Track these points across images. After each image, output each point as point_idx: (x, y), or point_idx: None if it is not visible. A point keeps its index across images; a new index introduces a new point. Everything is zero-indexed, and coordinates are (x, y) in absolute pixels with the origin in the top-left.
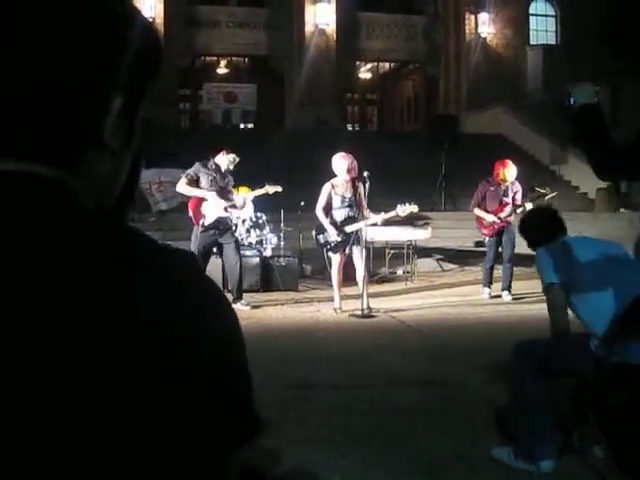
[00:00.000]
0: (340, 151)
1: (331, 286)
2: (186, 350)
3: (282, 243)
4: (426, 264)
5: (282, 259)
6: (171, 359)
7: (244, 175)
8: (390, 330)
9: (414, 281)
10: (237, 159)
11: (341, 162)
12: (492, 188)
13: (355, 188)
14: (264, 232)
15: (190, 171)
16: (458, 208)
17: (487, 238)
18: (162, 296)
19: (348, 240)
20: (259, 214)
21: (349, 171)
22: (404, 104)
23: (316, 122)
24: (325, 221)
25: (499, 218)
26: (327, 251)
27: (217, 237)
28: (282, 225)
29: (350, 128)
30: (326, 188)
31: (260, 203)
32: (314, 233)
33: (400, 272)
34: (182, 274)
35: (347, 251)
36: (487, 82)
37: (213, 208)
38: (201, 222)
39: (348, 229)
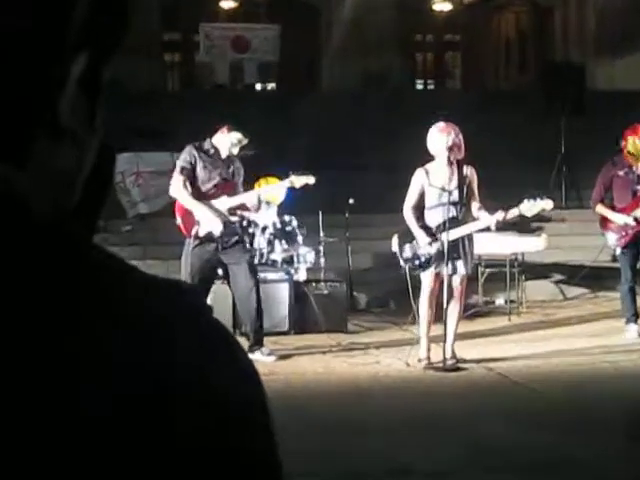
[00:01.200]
0: (405, 119)
1: (397, 324)
2: (173, 438)
3: (322, 261)
4: (540, 289)
5: (323, 285)
6: (151, 456)
7: (263, 159)
8: (487, 389)
9: (522, 315)
10: (244, 140)
11: (439, 137)
12: (620, 173)
13: (462, 176)
14: (295, 245)
15: (184, 161)
16: (586, 203)
17: (618, 249)
18: (141, 365)
19: (447, 253)
20: (287, 218)
21: (452, 149)
22: (501, 48)
23: (368, 79)
24: (415, 225)
25: (635, 219)
26: (414, 269)
27: (220, 255)
28: (322, 235)
29: (420, 86)
30: (418, 177)
31: (288, 202)
32: (395, 243)
33: (501, 302)
34: (178, 326)
35: (445, 270)
36: (625, 15)
37: (212, 211)
38: (194, 232)
39: (448, 236)
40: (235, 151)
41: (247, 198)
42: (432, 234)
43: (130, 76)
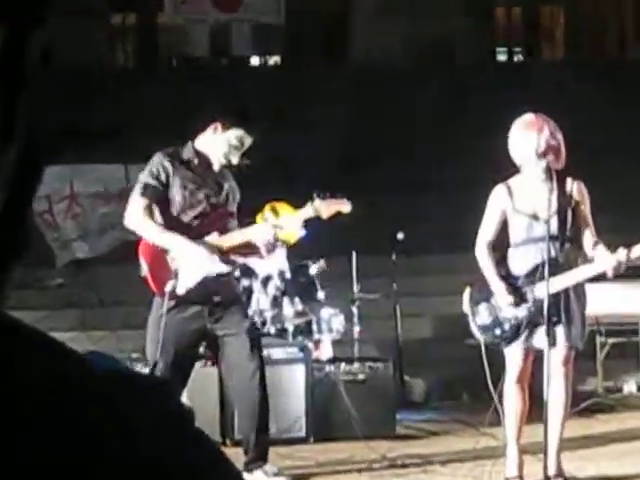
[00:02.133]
0: (478, 108)
1: (470, 425)
2: None
3: (356, 330)
4: None
5: (358, 367)
6: None
7: (264, 174)
8: None
9: None
10: (247, 140)
11: (526, 137)
12: None
13: (564, 195)
14: (315, 305)
15: (150, 175)
16: None
17: None
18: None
19: (544, 316)
20: (303, 263)
21: (546, 155)
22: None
23: (422, 48)
24: (493, 273)
25: None
26: (494, 341)
27: (206, 322)
28: (355, 288)
29: (503, 57)
30: (497, 199)
31: (305, 240)
32: (467, 301)
33: (631, 389)
34: (137, 431)
35: (541, 342)
36: None
37: (195, 256)
38: (168, 288)
39: (543, 290)
40: (235, 159)
41: (256, 233)
42: (520, 287)
43: (61, 48)
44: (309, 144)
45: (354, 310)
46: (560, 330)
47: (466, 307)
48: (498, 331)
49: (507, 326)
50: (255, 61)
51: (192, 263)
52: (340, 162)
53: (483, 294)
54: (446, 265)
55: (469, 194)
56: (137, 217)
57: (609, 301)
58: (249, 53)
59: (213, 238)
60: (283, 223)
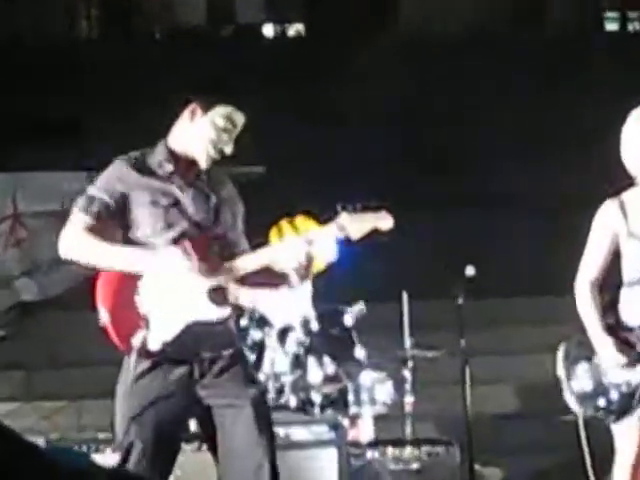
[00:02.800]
0: (579, 93)
1: None
2: None
3: (408, 401)
4: None
5: (411, 453)
6: None
7: (286, 177)
8: None
9: None
10: (238, 117)
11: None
12: None
13: None
14: (350, 367)
15: (98, 188)
16: None
17: None
18: None
19: None
20: (338, 307)
21: None
22: None
23: (492, 12)
24: (597, 321)
25: None
26: (599, 415)
27: (196, 390)
28: (407, 344)
29: (614, 25)
30: (605, 220)
31: (337, 274)
32: (561, 361)
33: None
34: None
35: None
36: None
37: (171, 297)
38: (136, 341)
39: None
40: (228, 146)
41: (284, 251)
42: (635, 342)
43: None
44: (344, 139)
45: (406, 374)
46: None
47: (560, 369)
48: (603, 401)
49: (616, 395)
50: (268, 31)
51: (171, 304)
52: (385, 164)
53: (583, 351)
54: (533, 312)
55: (566, 214)
56: (72, 239)
57: None
58: (260, 20)
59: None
60: (313, 237)
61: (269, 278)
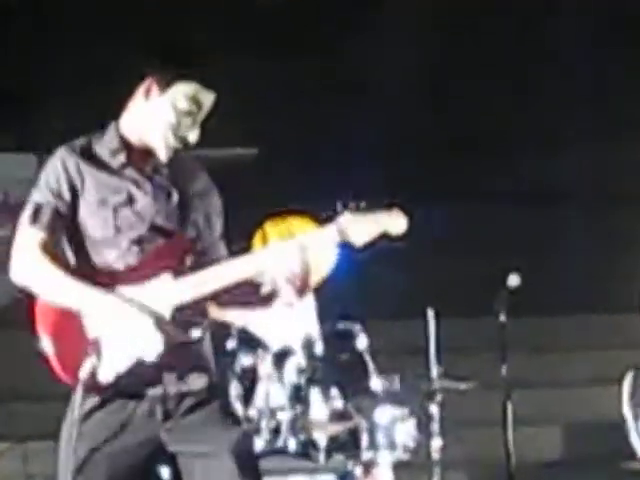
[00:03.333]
0: None
1: None
2: None
3: (436, 444)
4: None
5: None
6: None
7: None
8: None
9: None
10: (206, 96)
11: None
12: None
13: None
14: (365, 402)
15: (43, 190)
16: None
17: None
18: None
19: None
20: (347, 326)
21: None
22: None
23: None
24: None
25: None
26: None
27: (160, 432)
28: (434, 373)
29: None
30: None
31: (344, 282)
32: (626, 394)
33: None
34: None
35: None
36: None
37: (127, 320)
38: (83, 374)
39: None
40: (193, 133)
41: (273, 258)
42: None
43: None
44: (354, 117)
45: (433, 411)
46: None
47: (625, 406)
48: None
49: None
50: None
51: (126, 326)
52: (405, 149)
53: None
54: (591, 333)
55: (629, 212)
56: (28, 263)
57: None
58: None
59: (165, 282)
60: (308, 242)
61: (253, 294)
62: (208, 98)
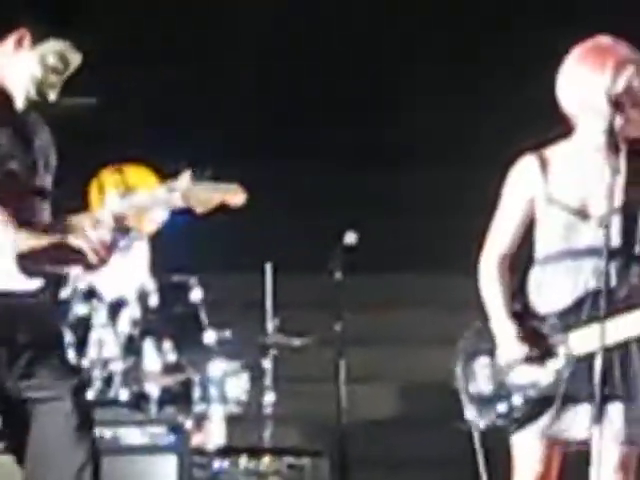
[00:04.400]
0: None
1: None
2: None
3: (269, 399)
4: None
5: (269, 462)
6: None
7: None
8: None
9: None
10: (73, 56)
11: (593, 72)
12: None
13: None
14: (199, 355)
15: None
16: None
17: None
18: None
19: (583, 386)
20: (183, 279)
21: (619, 107)
22: None
23: None
24: (500, 306)
25: None
26: (498, 424)
27: (4, 379)
28: (269, 328)
29: None
30: (522, 177)
31: (180, 236)
32: (457, 354)
33: None
34: None
35: (578, 430)
36: None
37: None
38: None
39: (587, 341)
40: (53, 91)
41: (86, 222)
42: (546, 335)
43: None
44: (207, 74)
45: (266, 365)
46: (614, 412)
47: (456, 365)
48: (503, 407)
49: (519, 399)
50: None
51: None
52: (255, 108)
53: (483, 344)
54: (426, 292)
55: (470, 170)
56: None
57: None
58: None
59: (13, 230)
60: (138, 202)
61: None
62: (76, 59)
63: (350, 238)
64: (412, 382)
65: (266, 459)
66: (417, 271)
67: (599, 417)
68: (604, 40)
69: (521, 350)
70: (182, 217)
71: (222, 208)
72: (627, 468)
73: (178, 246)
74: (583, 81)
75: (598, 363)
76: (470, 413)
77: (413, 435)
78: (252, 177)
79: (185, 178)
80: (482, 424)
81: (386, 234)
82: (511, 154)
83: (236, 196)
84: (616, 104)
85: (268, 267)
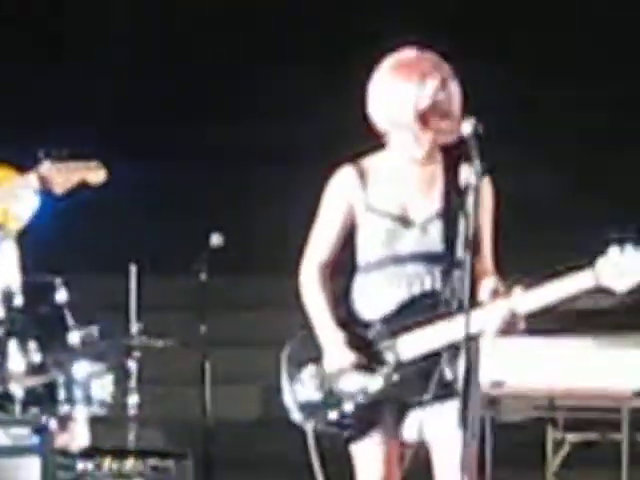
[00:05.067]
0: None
1: None
2: None
3: (133, 401)
4: None
5: (134, 465)
6: None
7: None
8: None
9: None
10: None
11: (399, 84)
12: None
13: (454, 189)
14: (63, 355)
15: None
16: None
17: None
18: None
19: (412, 389)
20: (48, 278)
21: (427, 116)
22: None
23: None
24: (324, 313)
25: None
26: (331, 431)
27: None
28: (134, 329)
29: None
30: (340, 187)
31: (44, 233)
32: (284, 361)
33: None
34: None
35: (411, 432)
36: None
37: None
38: None
39: (415, 345)
40: None
41: None
42: (372, 341)
43: None
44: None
45: (131, 366)
46: (451, 413)
47: (284, 372)
48: (334, 414)
49: (349, 406)
50: None
51: None
52: (108, 102)
53: (310, 352)
54: (290, 294)
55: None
56: None
57: (573, 369)
58: None
59: None
60: (8, 190)
61: None
62: None
63: (216, 240)
64: (276, 383)
65: (130, 461)
66: (282, 273)
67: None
68: (408, 54)
69: (348, 357)
70: (48, 216)
71: (85, 187)
72: (469, 467)
73: (44, 246)
74: (389, 97)
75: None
76: (298, 419)
77: (277, 436)
78: (118, 178)
79: (44, 165)
80: (311, 429)
81: (252, 236)
82: (330, 165)
83: (97, 173)
84: (423, 118)
85: (132, 268)
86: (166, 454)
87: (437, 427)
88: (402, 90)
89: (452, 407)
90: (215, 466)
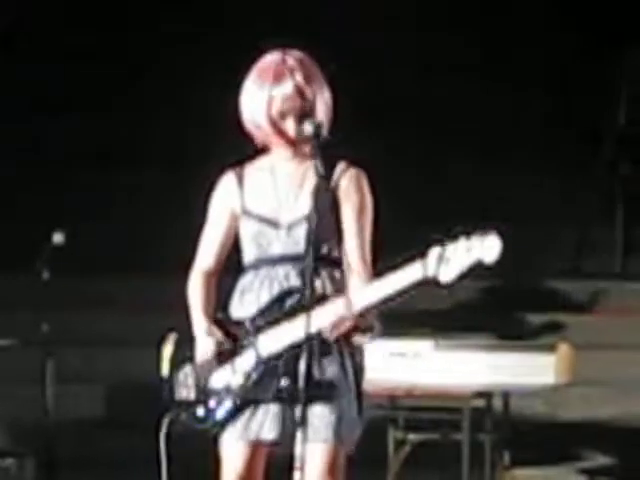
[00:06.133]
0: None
1: None
2: None
3: None
4: None
5: None
6: None
7: None
8: None
9: None
10: None
11: (257, 89)
12: None
13: (327, 187)
14: None
15: None
16: None
17: None
18: None
19: (275, 387)
20: None
21: (283, 117)
22: None
23: None
24: (199, 313)
25: None
26: (203, 427)
27: None
28: None
29: None
30: (222, 194)
31: None
32: (166, 357)
33: None
34: None
35: (271, 432)
36: None
37: None
38: None
39: (275, 343)
40: None
41: None
42: (240, 339)
43: None
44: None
45: None
46: (315, 413)
47: (165, 369)
48: (201, 411)
49: (214, 403)
50: None
51: None
52: None
53: (186, 352)
54: (133, 293)
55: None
56: None
57: (413, 369)
58: None
59: None
60: None
61: None
62: None
63: (58, 238)
64: (119, 383)
65: None
66: (125, 272)
67: (303, 418)
68: (270, 57)
69: (215, 355)
70: None
71: None
72: (333, 470)
73: None
74: (249, 100)
75: (302, 364)
76: (172, 415)
77: (121, 435)
78: None
79: None
80: (190, 427)
81: (95, 235)
82: (217, 170)
83: None
84: (275, 120)
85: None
86: (6, 454)
87: (297, 427)
88: (258, 92)
89: (318, 408)
90: (58, 465)
